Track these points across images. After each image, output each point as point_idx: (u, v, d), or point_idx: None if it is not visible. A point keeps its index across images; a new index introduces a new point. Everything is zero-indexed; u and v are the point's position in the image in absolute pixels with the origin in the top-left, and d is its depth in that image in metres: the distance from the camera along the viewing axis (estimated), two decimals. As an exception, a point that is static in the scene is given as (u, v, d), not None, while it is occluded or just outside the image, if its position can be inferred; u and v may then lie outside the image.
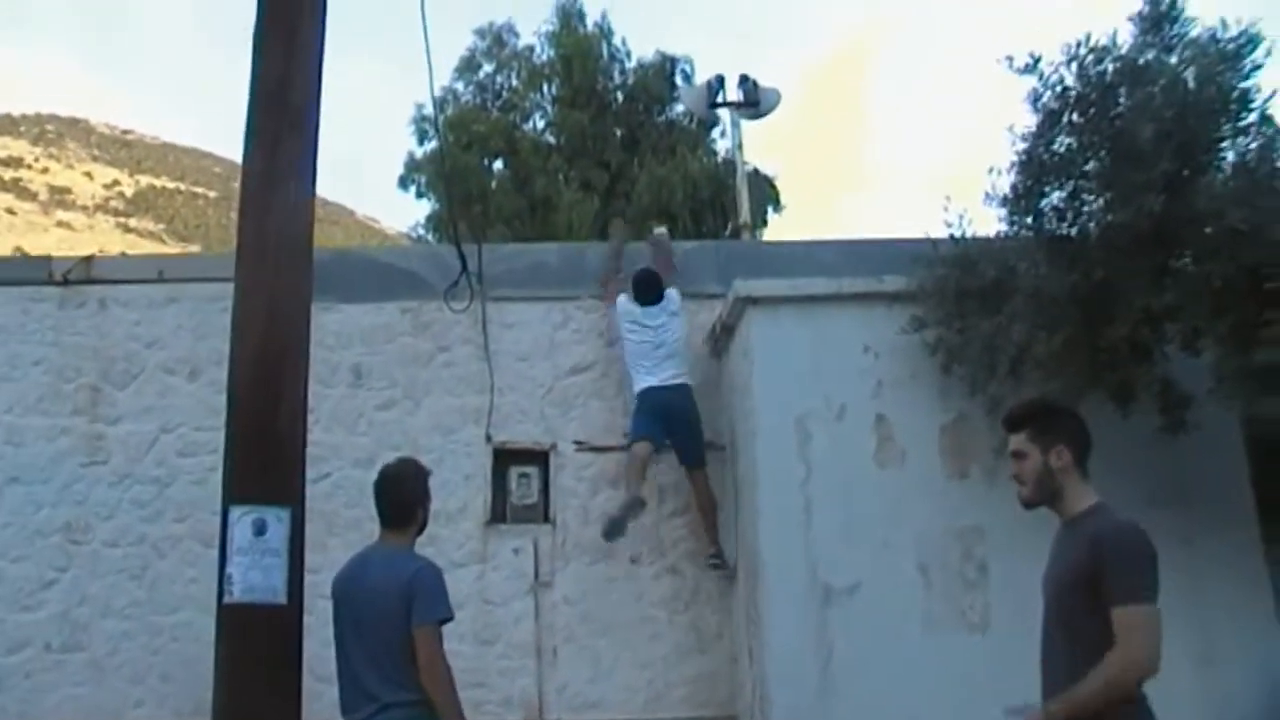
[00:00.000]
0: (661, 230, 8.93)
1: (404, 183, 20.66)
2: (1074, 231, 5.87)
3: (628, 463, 7.41)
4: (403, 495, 4.62)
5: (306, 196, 4.88)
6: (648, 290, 7.68)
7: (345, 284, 7.77)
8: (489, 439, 7.70)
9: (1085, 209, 5.86)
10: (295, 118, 4.83)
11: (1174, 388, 5.84)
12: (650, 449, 7.39)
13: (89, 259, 8.20)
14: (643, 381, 7.48)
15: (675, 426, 7.42)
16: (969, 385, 6.31)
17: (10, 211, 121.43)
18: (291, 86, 4.84)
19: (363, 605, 4.41)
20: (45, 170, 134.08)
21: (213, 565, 6.83)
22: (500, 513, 7.65)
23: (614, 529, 7.22)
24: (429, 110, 19.95)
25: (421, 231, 21.48)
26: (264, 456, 4.53)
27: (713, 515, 7.46)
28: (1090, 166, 5.73)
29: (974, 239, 6.34)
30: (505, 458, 7.73)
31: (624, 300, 7.70)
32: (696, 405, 7.50)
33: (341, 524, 7.30)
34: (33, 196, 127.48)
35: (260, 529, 4.40)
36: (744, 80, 14.25)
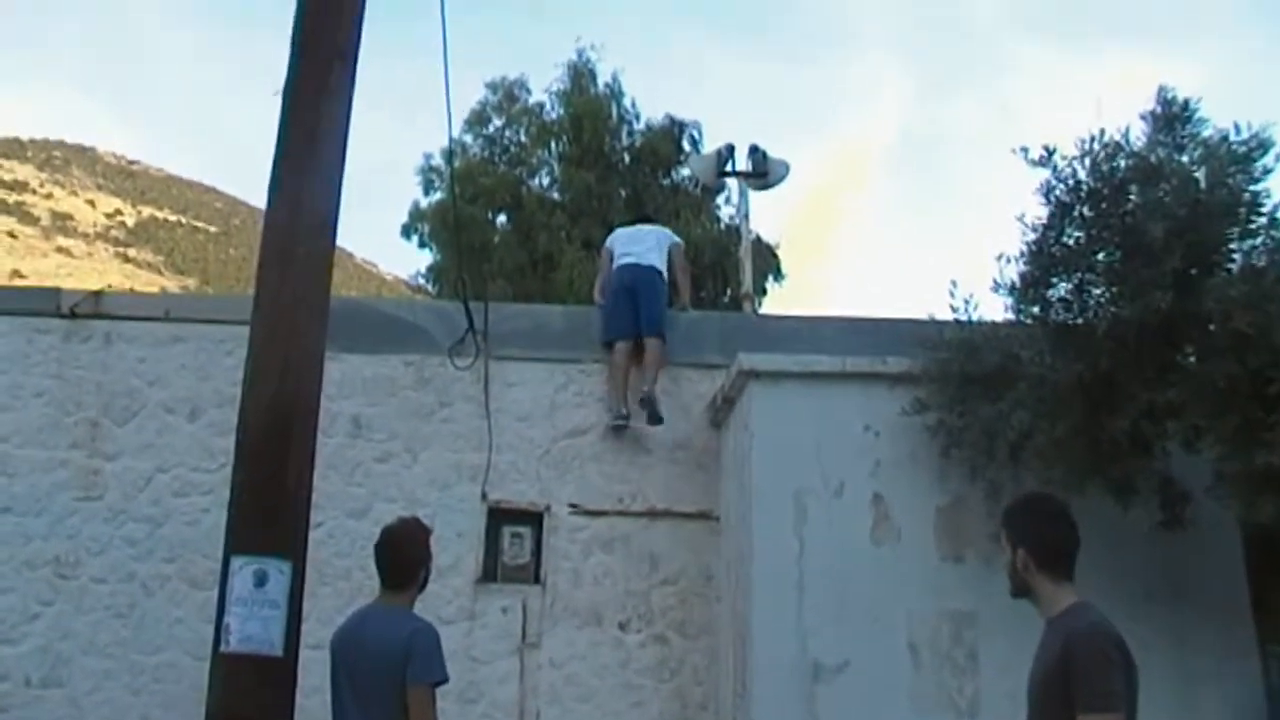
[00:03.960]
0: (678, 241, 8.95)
1: (407, 231, 20.70)
2: (1080, 322, 5.89)
3: (609, 374, 7.84)
4: (405, 556, 4.62)
5: (328, 252, 4.89)
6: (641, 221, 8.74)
7: (349, 333, 7.70)
8: (484, 497, 7.69)
9: (1092, 301, 5.89)
10: (323, 173, 4.81)
11: (1173, 484, 5.85)
12: (627, 351, 7.81)
13: (98, 293, 8.23)
14: (619, 261, 8.18)
15: (641, 299, 7.92)
16: (968, 469, 6.30)
17: (11, 235, 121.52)
18: (320, 141, 4.83)
19: (360, 662, 4.42)
20: (49, 196, 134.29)
21: (200, 607, 6.87)
22: (491, 571, 7.62)
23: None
24: (437, 161, 20.12)
25: (423, 281, 21.54)
26: (270, 508, 4.49)
27: (654, 371, 7.78)
28: (1099, 260, 5.77)
29: (979, 324, 6.37)
30: (499, 517, 7.72)
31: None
32: (665, 286, 8.10)
33: (332, 573, 7.31)
34: (35, 221, 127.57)
35: (261, 580, 4.37)
36: (754, 150, 14.26)
